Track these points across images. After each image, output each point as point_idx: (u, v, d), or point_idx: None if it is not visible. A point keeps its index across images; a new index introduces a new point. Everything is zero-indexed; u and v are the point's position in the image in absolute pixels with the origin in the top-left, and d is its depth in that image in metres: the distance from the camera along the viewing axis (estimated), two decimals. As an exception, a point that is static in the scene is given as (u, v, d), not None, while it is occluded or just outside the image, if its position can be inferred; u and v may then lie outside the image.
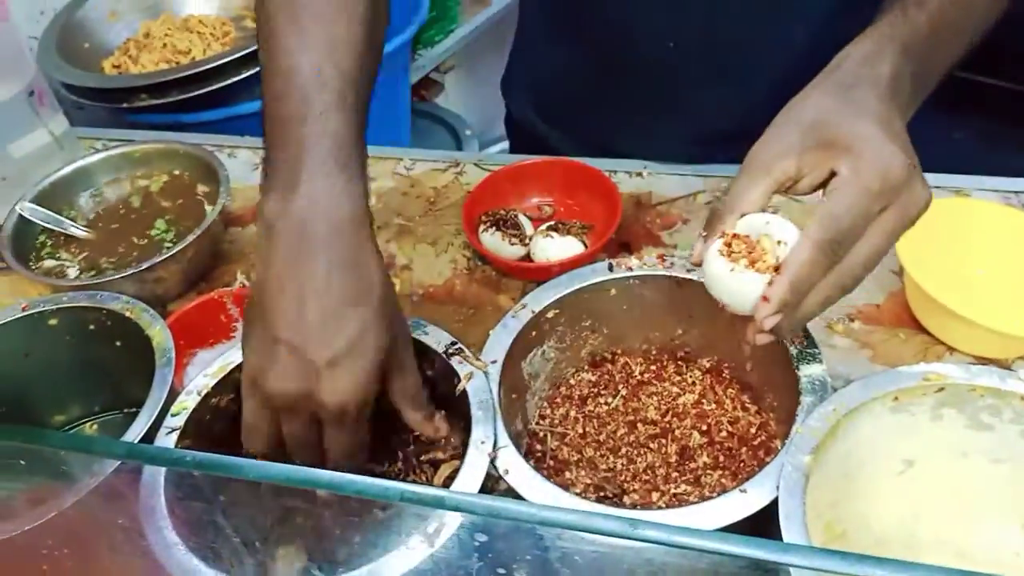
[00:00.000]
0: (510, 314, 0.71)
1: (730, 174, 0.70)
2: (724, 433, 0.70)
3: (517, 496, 0.59)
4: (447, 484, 0.63)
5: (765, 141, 0.60)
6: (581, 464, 0.70)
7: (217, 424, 0.68)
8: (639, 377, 0.75)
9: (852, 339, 0.77)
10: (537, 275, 0.86)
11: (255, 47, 1.17)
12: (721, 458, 0.68)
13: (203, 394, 0.67)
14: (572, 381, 0.76)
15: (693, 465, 0.68)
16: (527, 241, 0.89)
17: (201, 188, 0.98)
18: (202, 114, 1.25)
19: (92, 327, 0.77)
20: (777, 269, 0.55)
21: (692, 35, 0.89)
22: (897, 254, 0.75)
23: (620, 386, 0.75)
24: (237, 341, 0.83)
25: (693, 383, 0.74)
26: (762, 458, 0.67)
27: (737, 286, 0.57)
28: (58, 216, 0.96)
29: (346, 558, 0.54)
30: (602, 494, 0.68)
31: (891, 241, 0.57)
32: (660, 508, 0.66)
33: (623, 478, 0.69)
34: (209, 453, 0.48)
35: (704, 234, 0.60)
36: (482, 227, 0.90)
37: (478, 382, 0.65)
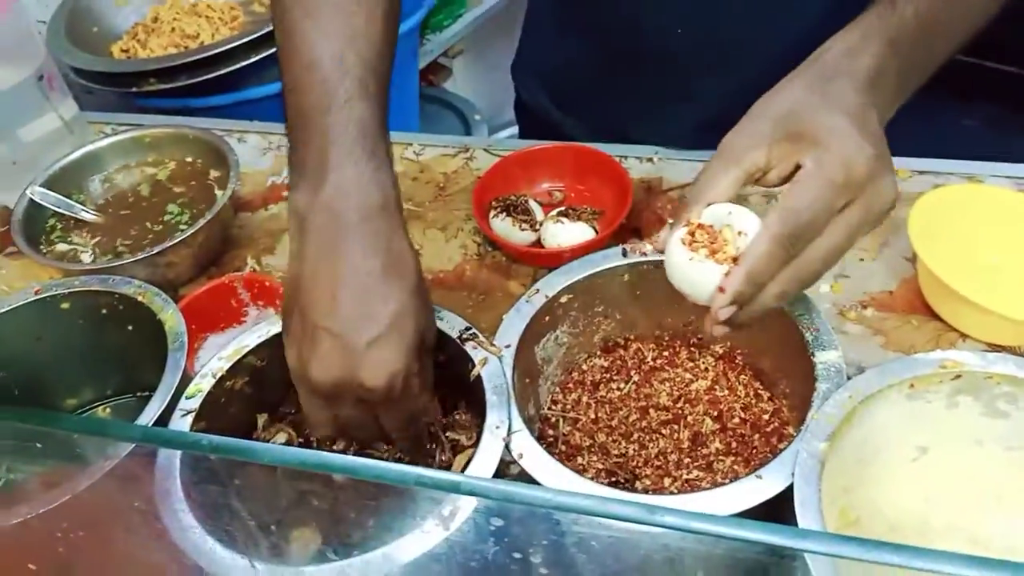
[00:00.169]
0: (523, 299, 0.71)
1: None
2: (737, 419, 0.70)
3: (530, 480, 0.59)
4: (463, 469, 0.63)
5: (738, 130, 0.59)
6: (593, 449, 0.70)
7: (232, 407, 0.68)
8: (651, 363, 0.75)
9: (865, 326, 0.77)
10: (548, 261, 0.85)
11: (264, 31, 1.18)
12: (734, 444, 0.68)
13: (218, 377, 0.68)
14: (584, 366, 0.76)
15: (705, 451, 0.68)
16: (537, 227, 0.89)
17: (213, 173, 0.98)
18: (211, 99, 1.25)
19: (104, 311, 0.77)
20: (736, 260, 0.55)
21: (699, 22, 0.88)
22: (911, 240, 0.75)
23: (632, 372, 0.75)
24: (249, 325, 0.84)
25: (706, 369, 0.74)
26: (775, 445, 0.67)
27: (695, 275, 0.56)
28: (68, 200, 0.96)
29: (361, 541, 0.54)
30: (614, 479, 0.68)
31: (853, 238, 0.56)
32: (672, 494, 0.66)
33: (635, 463, 0.69)
34: (226, 437, 0.48)
35: (671, 222, 0.59)
36: (492, 213, 0.90)
37: (492, 367, 0.65)
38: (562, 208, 0.90)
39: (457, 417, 0.71)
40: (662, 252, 0.59)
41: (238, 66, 1.21)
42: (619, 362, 0.76)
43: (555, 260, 0.82)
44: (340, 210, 0.59)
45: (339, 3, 0.63)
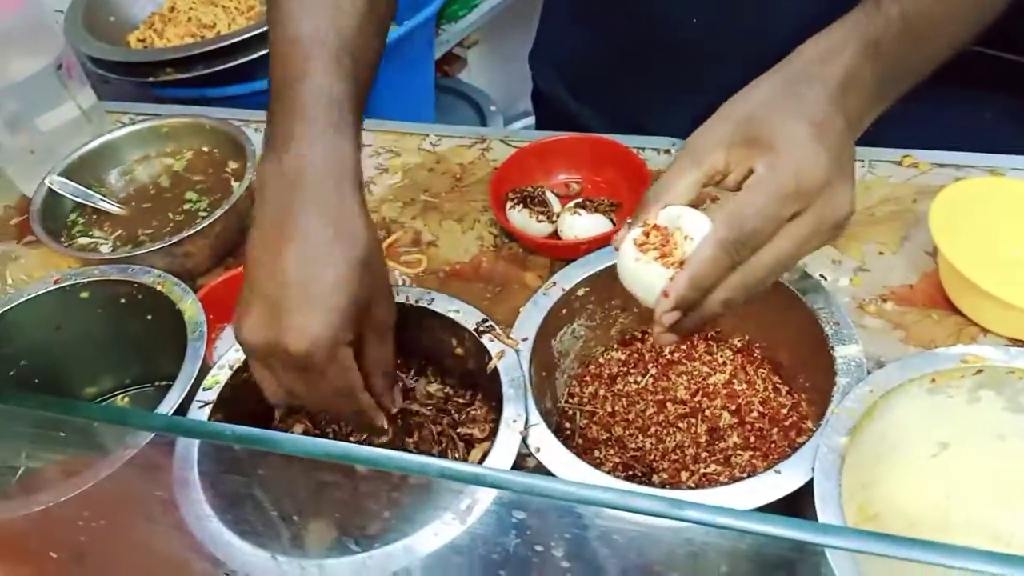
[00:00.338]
0: (540, 292, 0.71)
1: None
2: (755, 413, 0.69)
3: (546, 473, 0.59)
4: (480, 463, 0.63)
5: (701, 131, 0.58)
6: (610, 443, 0.70)
7: (248, 398, 0.69)
8: (669, 356, 0.75)
9: (884, 320, 0.76)
10: (565, 253, 0.85)
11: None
12: (752, 439, 0.68)
13: (235, 368, 0.68)
14: (601, 360, 0.76)
15: (723, 445, 0.68)
16: (554, 218, 0.88)
17: (231, 164, 0.98)
18: (227, 88, 1.25)
19: (123, 300, 0.78)
20: (683, 264, 0.54)
21: (715, 11, 0.88)
22: (931, 234, 0.74)
23: (650, 365, 0.75)
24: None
25: (724, 363, 0.74)
26: (793, 439, 0.67)
27: (642, 278, 0.56)
28: (87, 190, 0.96)
29: (379, 532, 0.54)
30: (631, 473, 0.68)
31: (801, 248, 0.55)
32: (690, 488, 0.66)
33: (652, 457, 0.69)
34: (247, 427, 0.48)
35: (629, 221, 0.58)
36: (509, 204, 0.90)
37: (509, 360, 0.65)
38: (579, 200, 0.89)
39: (471, 411, 0.70)
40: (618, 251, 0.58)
41: (254, 56, 1.21)
42: (636, 355, 0.76)
43: (572, 252, 0.81)
44: (295, 179, 0.59)
45: None
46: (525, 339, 0.67)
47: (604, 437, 0.71)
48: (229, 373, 0.68)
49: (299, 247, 0.58)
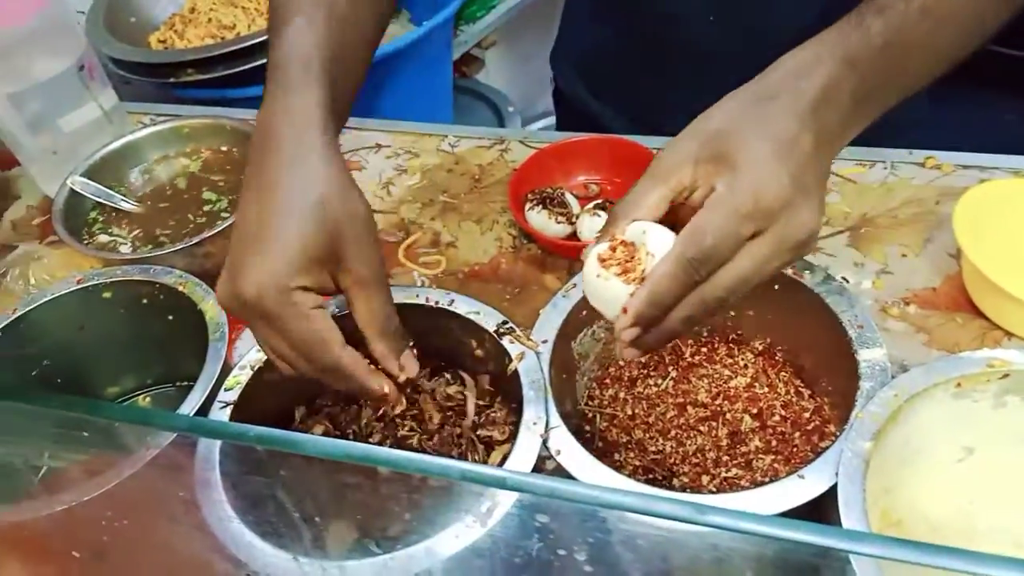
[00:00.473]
0: (560, 293, 0.70)
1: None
2: (777, 417, 0.69)
3: (567, 476, 0.59)
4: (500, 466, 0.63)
5: (670, 146, 0.57)
6: (630, 446, 0.70)
7: (269, 399, 0.69)
8: (689, 359, 0.75)
9: (907, 323, 0.76)
10: (584, 254, 0.85)
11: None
12: (774, 443, 0.67)
13: (256, 369, 0.68)
14: (621, 362, 0.76)
15: (744, 449, 0.68)
16: (574, 220, 0.88)
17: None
18: (248, 89, 1.25)
19: (145, 301, 0.78)
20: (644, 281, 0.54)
21: (732, 11, 0.87)
22: (955, 236, 0.74)
23: (670, 368, 0.74)
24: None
25: (745, 366, 0.73)
26: (816, 443, 0.67)
27: (604, 293, 0.55)
28: (109, 191, 0.97)
29: (400, 534, 0.54)
30: (651, 476, 0.68)
31: (763, 267, 0.54)
32: (711, 492, 0.65)
33: (672, 461, 0.68)
34: (268, 428, 0.48)
35: (598, 235, 0.58)
36: (528, 205, 0.90)
37: (529, 362, 0.65)
38: (598, 201, 0.89)
39: (491, 413, 0.70)
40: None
41: (274, 57, 1.21)
42: (656, 358, 0.75)
43: (592, 254, 0.81)
44: (258, 139, 0.62)
45: None
46: (545, 341, 0.67)
47: (624, 440, 0.70)
48: (250, 374, 0.68)
49: (253, 199, 0.61)
